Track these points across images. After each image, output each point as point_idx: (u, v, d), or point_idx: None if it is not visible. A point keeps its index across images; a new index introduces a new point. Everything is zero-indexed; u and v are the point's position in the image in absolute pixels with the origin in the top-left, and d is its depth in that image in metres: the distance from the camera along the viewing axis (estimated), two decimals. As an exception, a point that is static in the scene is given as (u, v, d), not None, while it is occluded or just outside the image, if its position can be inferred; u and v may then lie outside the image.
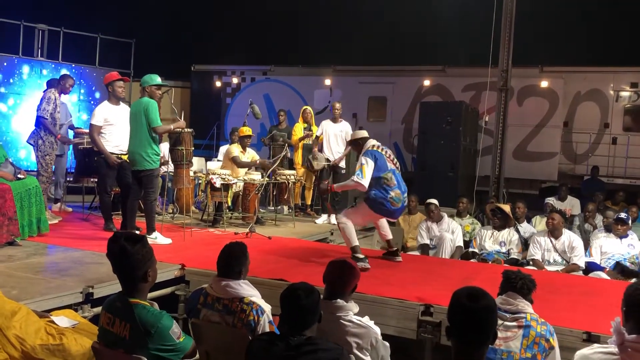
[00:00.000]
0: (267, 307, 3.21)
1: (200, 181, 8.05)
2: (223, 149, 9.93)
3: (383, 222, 6.00)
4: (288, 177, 8.18)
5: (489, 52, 10.24)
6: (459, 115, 12.03)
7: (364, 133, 5.85)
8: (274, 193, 8.38)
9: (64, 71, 12.12)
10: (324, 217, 8.46)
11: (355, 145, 5.84)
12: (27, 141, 7.45)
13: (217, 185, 7.25)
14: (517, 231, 7.28)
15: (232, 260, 3.30)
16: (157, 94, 6.30)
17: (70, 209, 8.42)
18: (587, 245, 6.92)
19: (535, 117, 13.65)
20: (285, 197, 8.34)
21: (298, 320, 2.60)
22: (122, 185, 6.63)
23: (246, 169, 8.11)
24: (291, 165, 9.53)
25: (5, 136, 11.58)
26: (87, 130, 7.54)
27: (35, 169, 7.34)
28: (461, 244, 7.33)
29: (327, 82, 15.44)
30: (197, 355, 2.98)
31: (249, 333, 3.06)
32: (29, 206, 5.89)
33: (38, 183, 6.17)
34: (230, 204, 7.75)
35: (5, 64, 11.79)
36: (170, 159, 7.44)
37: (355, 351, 3.06)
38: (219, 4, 23.92)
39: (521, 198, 8.64)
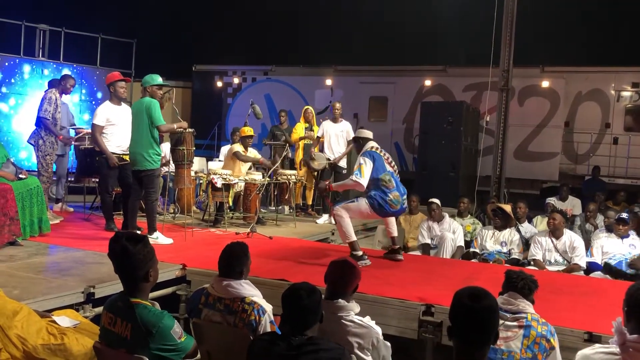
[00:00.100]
0: (268, 307, 3.21)
1: (201, 181, 8.06)
2: (224, 149, 9.94)
3: (391, 218, 6.00)
4: (289, 177, 8.18)
5: (490, 52, 10.24)
6: (460, 115, 12.04)
7: (369, 133, 5.86)
8: (275, 193, 8.39)
9: (65, 71, 12.14)
10: (325, 217, 8.46)
11: (357, 144, 5.87)
12: (28, 141, 7.46)
13: (218, 185, 7.26)
14: (518, 231, 7.28)
15: (234, 260, 3.31)
16: (158, 94, 6.31)
17: (71, 209, 8.43)
18: (588, 246, 6.91)
19: (536, 117, 13.64)
20: (286, 197, 8.34)
21: (299, 320, 2.60)
22: (123, 185, 6.64)
23: (247, 168, 8.12)
24: (292, 165, 9.53)
25: (6, 136, 11.59)
26: (88, 130, 7.56)
27: (36, 169, 7.35)
28: (462, 244, 7.33)
29: (328, 82, 15.44)
30: (199, 355, 2.98)
31: (251, 333, 3.06)
32: (31, 206, 5.90)
33: (39, 183, 6.18)
34: (231, 204, 7.75)
35: (6, 64, 11.80)
36: (171, 159, 7.45)
37: (357, 351, 3.06)
38: (220, 4, 23.93)
39: (522, 198, 8.63)
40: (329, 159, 8.58)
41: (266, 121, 13.83)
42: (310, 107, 9.50)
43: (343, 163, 8.79)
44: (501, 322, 2.87)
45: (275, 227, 7.96)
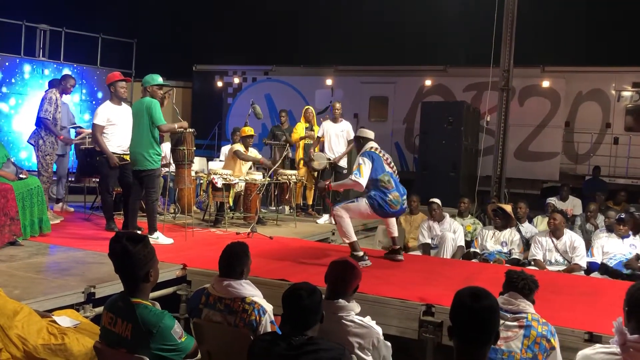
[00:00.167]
0: (268, 307, 3.21)
1: (201, 181, 8.05)
2: (225, 149, 9.94)
3: (392, 219, 6.00)
4: (289, 177, 8.18)
5: (490, 51, 10.24)
6: (460, 115, 12.04)
7: (370, 133, 5.85)
8: (276, 193, 8.39)
9: (65, 71, 12.14)
10: (326, 217, 8.46)
11: (357, 143, 5.89)
12: (28, 141, 7.46)
13: (219, 185, 7.26)
14: (519, 231, 7.28)
15: (234, 260, 3.30)
16: (158, 93, 6.31)
17: (72, 209, 8.43)
18: (588, 246, 6.91)
19: (537, 117, 13.63)
20: (287, 197, 8.34)
21: (300, 320, 2.60)
22: (124, 185, 6.63)
23: (247, 168, 8.12)
24: (292, 165, 9.53)
25: (6, 136, 11.59)
26: (89, 130, 7.56)
27: (36, 169, 7.35)
28: (463, 244, 7.33)
29: (329, 82, 15.44)
30: (199, 355, 2.98)
31: (251, 333, 3.06)
32: (31, 206, 5.90)
33: (40, 183, 6.18)
34: (231, 204, 7.75)
35: (7, 63, 11.81)
36: (171, 159, 7.45)
37: (357, 351, 3.06)
38: (221, 3, 23.95)
39: (523, 198, 8.63)
40: (329, 159, 8.58)
41: (266, 121, 13.83)
42: (310, 107, 9.50)
43: (343, 163, 8.79)
44: (501, 322, 2.87)
45: (276, 227, 7.96)
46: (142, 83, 6.38)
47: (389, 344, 3.22)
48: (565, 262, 6.56)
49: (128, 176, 6.45)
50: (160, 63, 16.24)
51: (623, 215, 6.97)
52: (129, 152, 6.44)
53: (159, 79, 6.32)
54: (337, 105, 8.95)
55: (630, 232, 6.82)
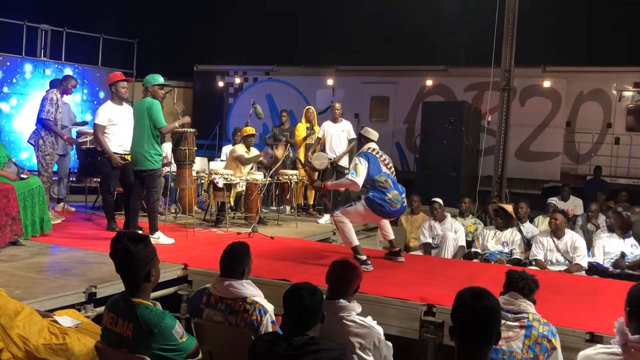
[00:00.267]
0: (269, 307, 3.21)
1: (202, 181, 8.05)
2: (226, 149, 9.95)
3: (385, 222, 6.00)
4: (290, 177, 8.18)
5: (491, 51, 10.24)
6: (461, 115, 12.02)
7: (374, 134, 5.82)
8: (277, 193, 8.39)
9: (67, 71, 12.16)
10: (327, 217, 8.46)
11: (358, 142, 5.92)
12: (28, 141, 7.46)
13: (220, 185, 7.26)
14: (520, 231, 7.28)
15: (235, 260, 3.31)
16: (159, 93, 6.31)
17: (73, 209, 8.44)
18: (589, 246, 6.91)
19: (538, 117, 13.62)
20: (288, 197, 8.34)
21: (301, 320, 2.60)
22: (125, 185, 6.64)
23: (249, 168, 8.12)
24: (294, 165, 9.53)
25: (7, 136, 11.60)
26: (90, 130, 7.56)
27: (36, 169, 7.35)
28: (464, 243, 7.32)
29: (330, 82, 15.44)
30: (200, 355, 2.98)
31: (252, 333, 3.06)
32: (32, 206, 5.90)
33: (41, 183, 6.18)
34: (232, 203, 7.76)
35: (8, 63, 11.82)
36: (172, 159, 7.45)
37: (358, 351, 3.06)
38: (221, 4, 23.96)
39: (524, 198, 8.64)
40: (330, 159, 8.57)
41: (267, 121, 13.84)
42: (311, 107, 9.50)
43: (345, 162, 8.79)
44: (503, 322, 2.87)
45: (277, 227, 7.96)
46: (143, 83, 6.38)
47: (390, 344, 3.22)
48: (567, 262, 6.56)
49: (129, 176, 6.45)
50: (161, 63, 16.25)
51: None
52: (130, 152, 6.44)
53: (160, 79, 6.32)
54: (337, 105, 8.95)
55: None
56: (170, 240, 6.21)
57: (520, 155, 13.65)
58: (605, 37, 19.76)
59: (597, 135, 13.67)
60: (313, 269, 5.18)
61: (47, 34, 12.77)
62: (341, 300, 3.15)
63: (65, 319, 3.39)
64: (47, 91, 7.56)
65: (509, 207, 7.42)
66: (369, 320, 3.19)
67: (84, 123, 8.70)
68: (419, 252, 7.45)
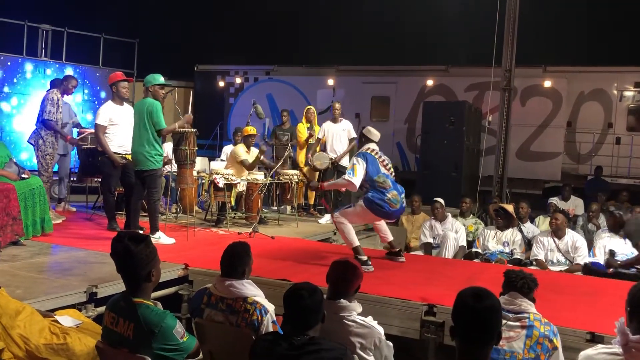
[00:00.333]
0: (270, 307, 3.21)
1: (203, 181, 8.06)
2: (226, 149, 9.94)
3: (382, 224, 5.95)
4: (291, 177, 8.18)
5: (492, 51, 10.24)
6: (462, 115, 12.02)
7: (375, 134, 5.77)
8: (277, 193, 8.39)
9: (68, 71, 12.17)
10: (327, 217, 8.45)
11: (359, 141, 5.88)
12: (28, 141, 7.46)
13: (221, 185, 7.26)
14: (521, 231, 7.28)
15: (236, 260, 3.31)
16: (160, 93, 6.31)
17: (74, 209, 8.44)
18: (590, 246, 6.91)
19: (539, 117, 13.62)
20: (289, 197, 8.34)
21: (301, 320, 2.60)
22: (126, 185, 6.64)
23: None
24: (294, 165, 9.53)
25: (8, 136, 11.61)
26: (91, 130, 7.57)
27: (36, 169, 7.35)
28: (465, 243, 7.33)
29: (330, 82, 15.44)
30: (201, 355, 2.98)
31: (253, 333, 3.07)
32: (33, 206, 5.90)
33: (42, 183, 6.18)
34: (233, 203, 7.76)
35: (9, 63, 11.82)
36: (173, 159, 7.45)
37: (359, 351, 3.06)
38: (221, 3, 23.95)
39: (524, 198, 8.64)
40: (332, 159, 8.57)
41: (268, 121, 13.82)
42: (312, 107, 9.50)
43: (346, 162, 8.78)
44: (504, 322, 2.87)
45: (277, 227, 7.96)
46: (143, 83, 6.38)
47: (390, 344, 3.22)
48: (567, 262, 6.56)
49: (130, 176, 6.45)
50: (162, 63, 16.24)
51: None
52: (130, 152, 6.44)
53: (161, 79, 6.32)
54: (337, 105, 8.95)
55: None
56: (171, 240, 6.21)
57: (521, 155, 13.65)
58: (606, 37, 19.75)
59: (597, 135, 13.67)
60: (314, 269, 5.18)
61: (47, 34, 12.77)
62: (342, 300, 3.15)
63: (66, 319, 3.39)
64: (47, 91, 7.56)
65: (510, 207, 7.43)
66: (369, 320, 3.19)
67: (79, 125, 8.68)
68: (420, 252, 7.45)
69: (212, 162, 9.70)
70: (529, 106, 13.68)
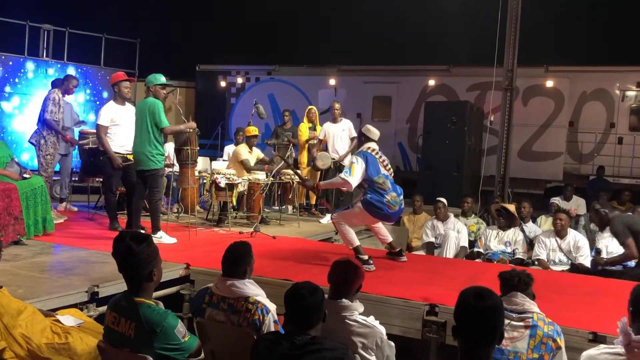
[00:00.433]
0: (272, 307, 3.21)
1: (205, 181, 8.07)
2: (228, 149, 9.95)
3: (379, 226, 5.88)
4: (292, 176, 8.18)
5: (494, 51, 10.22)
6: (463, 115, 12.00)
7: (375, 133, 5.71)
8: (279, 193, 8.39)
9: (70, 71, 12.18)
10: (329, 216, 8.44)
11: (359, 140, 5.78)
12: (29, 140, 7.47)
13: (222, 184, 7.26)
14: (523, 231, 7.27)
15: (237, 259, 3.31)
16: (161, 93, 6.30)
17: (75, 209, 8.45)
18: (592, 245, 6.89)
19: (541, 117, 13.60)
20: (290, 197, 8.34)
21: (302, 319, 2.60)
22: (127, 185, 6.65)
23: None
24: (296, 165, 9.53)
25: (10, 136, 11.62)
26: (93, 131, 7.57)
27: (37, 170, 7.35)
28: (466, 244, 7.32)
29: (332, 82, 15.43)
30: (202, 355, 2.98)
31: (254, 332, 3.06)
32: (35, 205, 5.90)
33: (43, 182, 6.18)
34: (234, 203, 7.76)
35: (10, 63, 11.84)
36: (175, 159, 7.45)
37: (361, 351, 3.06)
38: (223, 3, 23.96)
39: (526, 198, 8.63)
40: (333, 159, 8.56)
41: (269, 121, 13.82)
42: (313, 107, 9.49)
43: (347, 162, 8.78)
44: (507, 322, 2.86)
45: (279, 226, 7.96)
46: (145, 83, 6.39)
47: (392, 343, 3.22)
48: (569, 262, 6.55)
49: (131, 176, 6.46)
50: (163, 63, 16.24)
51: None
52: (132, 152, 6.44)
53: (162, 79, 6.32)
54: (337, 105, 8.93)
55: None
56: (173, 240, 6.21)
57: (523, 155, 13.63)
58: (609, 37, 19.72)
59: (600, 135, 13.64)
60: (315, 268, 5.18)
61: (49, 33, 12.80)
62: (343, 299, 3.15)
63: (68, 319, 3.39)
64: (49, 91, 7.57)
65: (512, 207, 7.42)
66: (371, 319, 3.18)
67: (84, 122, 8.69)
68: (422, 252, 7.45)
69: (213, 162, 9.71)
70: (531, 106, 13.66)
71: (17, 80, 11.90)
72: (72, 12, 18.84)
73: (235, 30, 23.58)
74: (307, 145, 9.10)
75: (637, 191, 11.67)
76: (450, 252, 7.09)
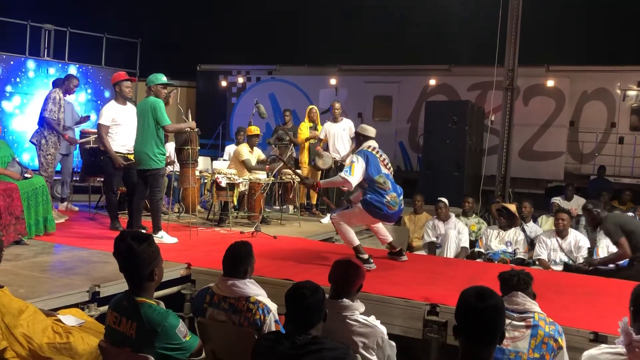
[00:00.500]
0: (273, 306, 3.21)
1: (206, 180, 8.07)
2: (229, 149, 9.96)
3: (379, 226, 5.85)
4: (293, 176, 8.18)
5: (494, 51, 10.22)
6: (464, 114, 12.00)
7: (371, 131, 5.68)
8: (280, 192, 8.40)
9: (71, 70, 12.19)
10: (329, 216, 8.45)
11: (357, 140, 5.71)
12: (30, 140, 7.47)
13: (223, 184, 7.26)
14: (523, 231, 7.27)
15: (238, 259, 3.31)
16: (162, 93, 6.31)
17: (76, 208, 8.45)
18: (593, 245, 6.89)
19: (542, 117, 13.59)
20: (291, 197, 8.34)
21: (303, 318, 2.60)
22: (128, 185, 6.65)
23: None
24: (297, 164, 9.54)
25: (11, 135, 11.63)
26: (94, 130, 7.58)
27: (38, 169, 7.36)
28: (467, 244, 7.31)
29: (333, 81, 15.43)
30: (203, 354, 2.99)
31: (255, 332, 3.07)
32: (36, 205, 5.91)
33: (45, 182, 6.19)
34: (235, 203, 7.77)
35: (11, 62, 11.85)
36: (176, 159, 7.46)
37: (362, 351, 3.06)
38: (223, 3, 23.96)
39: (527, 197, 8.62)
40: (334, 159, 8.56)
41: (270, 121, 13.83)
42: (314, 107, 9.49)
43: (348, 161, 8.78)
44: (508, 322, 2.86)
45: (280, 226, 7.96)
46: (146, 82, 6.39)
47: (393, 343, 3.22)
48: (570, 262, 6.54)
49: (132, 175, 6.46)
50: (164, 63, 16.25)
51: (630, 215, 6.94)
52: (133, 152, 6.45)
53: (163, 78, 6.32)
54: (337, 105, 8.93)
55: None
56: (174, 240, 6.22)
57: (524, 155, 13.63)
58: (609, 36, 19.70)
59: (601, 134, 13.63)
60: (316, 268, 5.18)
61: (50, 33, 12.81)
62: (344, 299, 3.15)
63: (69, 318, 3.39)
64: (50, 91, 7.57)
65: (513, 207, 7.41)
66: (372, 319, 3.18)
67: (87, 117, 8.67)
68: (423, 252, 7.45)
69: (214, 162, 9.71)
70: (532, 106, 13.65)
71: (18, 79, 11.91)
72: (72, 12, 18.85)
73: (235, 30, 23.58)
74: (307, 145, 9.10)
75: (638, 191, 11.66)
76: (450, 251, 7.09)
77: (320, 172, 8.66)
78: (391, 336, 3.31)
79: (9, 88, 11.79)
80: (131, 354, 2.69)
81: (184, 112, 6.93)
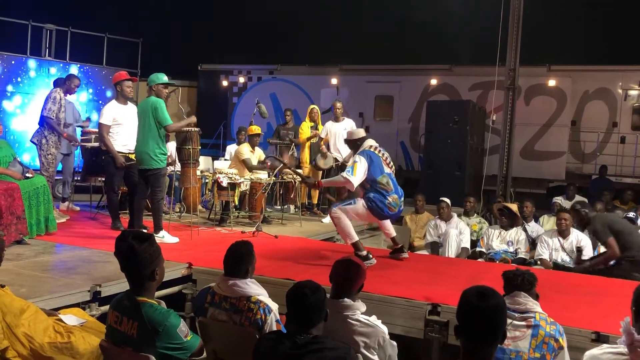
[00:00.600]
0: (274, 306, 3.21)
1: (207, 180, 8.07)
2: (230, 148, 9.96)
3: (387, 221, 5.89)
4: (294, 176, 8.18)
5: (496, 50, 10.21)
6: (466, 114, 12.00)
7: (361, 133, 5.67)
8: (281, 192, 8.39)
9: (72, 70, 12.20)
10: (330, 216, 8.45)
11: (353, 145, 5.68)
12: (31, 140, 7.48)
13: (224, 184, 7.26)
14: (525, 230, 7.26)
15: (239, 259, 3.31)
16: (163, 92, 6.31)
17: (77, 208, 8.46)
18: (595, 245, 6.88)
19: (543, 116, 13.58)
20: (292, 196, 8.34)
21: (304, 318, 2.60)
22: (129, 185, 6.65)
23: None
24: (298, 164, 9.53)
25: (12, 135, 11.64)
26: (95, 130, 7.58)
27: (39, 169, 7.36)
28: (468, 245, 7.31)
29: (334, 81, 15.43)
30: (205, 354, 2.98)
31: (256, 332, 3.07)
32: (37, 205, 5.92)
33: (46, 182, 6.20)
34: (237, 203, 7.77)
35: (13, 62, 11.85)
36: (177, 158, 7.46)
37: (363, 350, 3.05)
38: (223, 3, 23.96)
39: (529, 197, 8.61)
40: (336, 159, 8.56)
41: (271, 120, 13.84)
42: (315, 107, 9.49)
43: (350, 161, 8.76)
44: (509, 321, 2.86)
45: (281, 226, 7.96)
46: (147, 82, 6.39)
47: (394, 343, 3.21)
48: (572, 261, 6.53)
49: (134, 175, 6.46)
50: (165, 62, 16.27)
51: (631, 214, 6.94)
52: (134, 152, 6.45)
53: (164, 78, 6.32)
54: (338, 104, 8.92)
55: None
56: (175, 239, 6.22)
57: (525, 155, 13.62)
58: (611, 36, 19.68)
59: (602, 134, 13.61)
60: (317, 268, 5.18)
61: (51, 33, 12.81)
62: (345, 299, 3.15)
63: (70, 318, 3.39)
64: (50, 90, 7.58)
65: (514, 207, 7.41)
66: (373, 319, 3.18)
67: (87, 120, 8.69)
68: (424, 252, 7.44)
69: (215, 162, 9.71)
70: (533, 105, 13.64)
71: (19, 79, 11.91)
72: (73, 12, 18.85)
73: (236, 30, 23.59)
74: (308, 144, 9.10)
75: (640, 190, 11.66)
76: (451, 250, 7.09)
77: (321, 172, 8.67)
78: (392, 336, 3.31)
79: (10, 88, 11.80)
80: (132, 353, 2.69)
81: (185, 111, 6.92)
